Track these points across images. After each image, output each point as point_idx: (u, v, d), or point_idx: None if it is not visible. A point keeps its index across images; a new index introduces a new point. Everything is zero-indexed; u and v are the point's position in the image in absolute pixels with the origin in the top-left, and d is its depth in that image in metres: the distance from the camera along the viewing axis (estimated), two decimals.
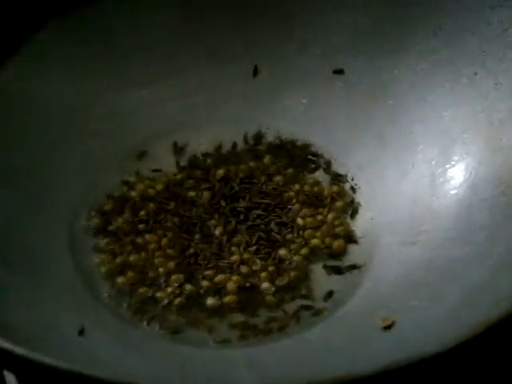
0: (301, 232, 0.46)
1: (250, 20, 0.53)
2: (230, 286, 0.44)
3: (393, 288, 0.42)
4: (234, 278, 0.44)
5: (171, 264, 0.45)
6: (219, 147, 0.52)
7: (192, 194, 0.49)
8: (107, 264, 0.45)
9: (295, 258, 0.45)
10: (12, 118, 0.48)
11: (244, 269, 0.44)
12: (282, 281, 0.44)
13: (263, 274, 0.44)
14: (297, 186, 0.49)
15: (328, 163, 0.50)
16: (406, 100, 0.50)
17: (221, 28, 0.53)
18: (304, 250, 0.45)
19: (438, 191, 0.46)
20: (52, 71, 0.50)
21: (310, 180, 0.50)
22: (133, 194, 0.49)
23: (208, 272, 0.44)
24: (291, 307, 0.43)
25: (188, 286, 0.44)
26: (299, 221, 0.47)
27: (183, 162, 0.51)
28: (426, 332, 0.37)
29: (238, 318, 0.43)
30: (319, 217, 0.47)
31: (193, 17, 0.53)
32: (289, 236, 0.46)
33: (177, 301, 0.43)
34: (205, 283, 0.44)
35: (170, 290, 0.44)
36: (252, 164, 0.51)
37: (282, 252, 0.45)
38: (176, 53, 0.53)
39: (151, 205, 0.48)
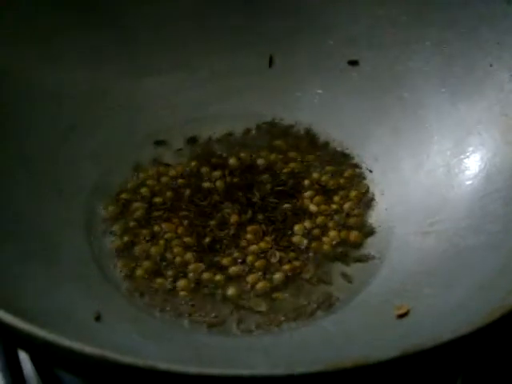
0: (317, 220, 0.47)
1: (264, 11, 0.53)
2: (251, 278, 0.44)
3: (408, 277, 0.43)
4: (258, 263, 0.44)
5: (189, 253, 0.45)
6: (231, 134, 0.52)
7: (207, 182, 0.49)
8: (122, 256, 0.45)
9: (312, 246, 0.45)
10: (26, 105, 0.48)
11: (261, 262, 0.44)
12: (307, 273, 0.44)
13: (286, 267, 0.44)
14: (314, 175, 0.49)
15: (343, 154, 0.51)
16: (421, 92, 0.50)
17: (234, 19, 0.53)
18: (321, 239, 0.46)
19: (453, 182, 0.46)
20: (66, 58, 0.51)
21: (328, 168, 0.50)
22: (148, 182, 0.49)
23: (227, 261, 0.44)
24: (312, 296, 0.43)
25: (207, 275, 0.44)
26: (312, 208, 0.47)
27: (197, 151, 0.51)
28: (441, 320, 0.37)
29: (260, 306, 0.43)
30: (334, 206, 0.48)
31: (206, 7, 0.53)
32: (305, 225, 0.46)
33: (194, 289, 0.43)
34: (224, 273, 0.44)
35: (188, 278, 0.44)
36: (268, 151, 0.51)
37: (298, 240, 0.46)
38: (188, 43, 0.53)
39: (167, 193, 0.48)
